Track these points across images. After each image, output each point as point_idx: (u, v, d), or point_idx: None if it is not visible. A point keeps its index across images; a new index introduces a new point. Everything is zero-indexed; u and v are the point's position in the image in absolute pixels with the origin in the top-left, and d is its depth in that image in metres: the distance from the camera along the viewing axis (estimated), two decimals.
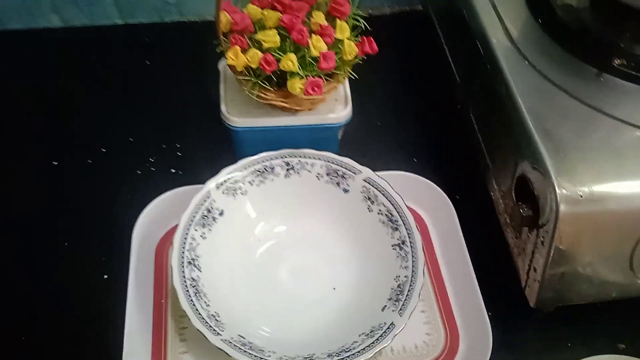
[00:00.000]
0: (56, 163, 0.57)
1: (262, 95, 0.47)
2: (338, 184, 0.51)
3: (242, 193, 0.50)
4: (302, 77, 0.45)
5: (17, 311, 0.48)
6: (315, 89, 0.44)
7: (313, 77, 0.45)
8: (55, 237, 0.52)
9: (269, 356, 0.41)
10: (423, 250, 0.47)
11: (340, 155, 0.51)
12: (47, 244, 0.52)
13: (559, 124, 0.44)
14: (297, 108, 0.50)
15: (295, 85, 0.45)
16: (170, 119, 0.61)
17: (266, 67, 0.44)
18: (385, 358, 0.47)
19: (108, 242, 0.51)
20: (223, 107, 0.51)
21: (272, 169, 0.51)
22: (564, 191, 0.41)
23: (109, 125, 0.60)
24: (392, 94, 0.65)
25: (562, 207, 0.40)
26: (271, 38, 0.45)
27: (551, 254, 0.42)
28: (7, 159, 0.58)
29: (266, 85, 0.46)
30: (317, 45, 0.45)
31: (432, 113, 0.63)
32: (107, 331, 0.45)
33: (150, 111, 0.62)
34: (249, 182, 0.50)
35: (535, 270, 0.44)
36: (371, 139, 0.61)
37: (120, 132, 0.59)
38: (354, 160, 0.51)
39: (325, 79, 0.47)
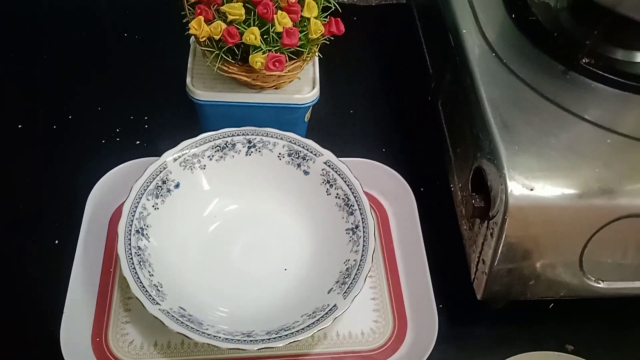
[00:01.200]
0: (21, 126, 0.57)
1: (225, 68, 0.46)
2: (299, 165, 0.51)
3: (200, 167, 0.49)
4: (265, 52, 0.45)
5: None
6: (277, 64, 0.44)
7: (276, 52, 0.45)
8: (11, 198, 0.52)
9: (207, 329, 0.41)
10: (375, 237, 0.46)
11: (307, 138, 0.51)
12: (3, 203, 0.52)
13: (519, 118, 0.44)
14: (262, 84, 0.49)
15: (257, 59, 0.44)
16: (141, 91, 0.60)
17: (229, 39, 0.44)
18: (330, 342, 0.47)
19: (64, 208, 0.51)
20: (188, 80, 0.50)
21: (234, 145, 0.50)
22: (515, 183, 0.40)
23: (78, 93, 0.60)
24: (368, 83, 0.65)
25: (511, 200, 0.40)
26: (236, 10, 0.44)
27: (500, 247, 0.42)
28: None
29: (229, 58, 0.46)
30: (282, 21, 0.44)
31: (405, 104, 0.63)
32: (50, 295, 0.45)
33: (121, 81, 0.61)
34: (209, 157, 0.50)
35: (483, 262, 0.44)
36: (341, 126, 0.61)
37: (88, 100, 0.59)
38: (320, 145, 0.51)
39: (290, 56, 0.46)
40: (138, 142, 0.57)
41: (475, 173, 0.45)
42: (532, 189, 0.40)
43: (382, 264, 0.50)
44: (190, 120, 0.55)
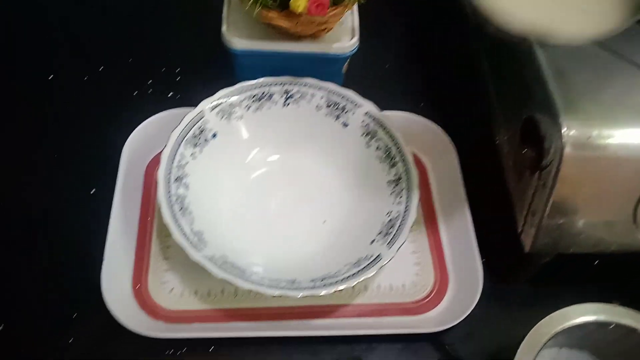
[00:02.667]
0: (52, 77, 0.56)
1: (264, 14, 0.45)
2: (337, 117, 0.49)
3: (237, 117, 0.48)
4: None
5: (3, 217, 0.48)
6: (319, 7, 0.42)
7: None
8: (46, 149, 0.51)
9: (250, 276, 0.40)
10: (419, 188, 0.45)
11: None
12: (38, 155, 0.51)
13: (574, 66, 0.42)
14: (301, 32, 0.47)
15: (299, 3, 0.42)
16: (173, 42, 0.59)
17: None
18: (371, 294, 0.46)
19: (99, 158, 0.50)
20: (224, 28, 0.49)
21: (271, 96, 0.49)
22: (571, 132, 0.38)
23: (110, 44, 0.59)
24: (405, 33, 0.63)
25: (567, 149, 0.38)
26: None
27: (551, 198, 0.40)
28: (3, 70, 0.56)
29: (268, 3, 0.44)
30: None
31: (445, 56, 0.61)
32: (90, 244, 0.45)
33: (153, 32, 0.60)
34: (246, 107, 0.48)
35: (533, 214, 0.42)
36: (379, 79, 0.59)
37: (120, 52, 0.58)
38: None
39: (332, 2, 0.45)
40: (171, 94, 0.55)
41: (526, 123, 0.43)
42: (588, 138, 0.38)
43: (422, 219, 0.49)
44: (223, 71, 0.53)
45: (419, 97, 0.57)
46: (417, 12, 0.64)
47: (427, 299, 0.46)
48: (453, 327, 0.43)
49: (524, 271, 0.47)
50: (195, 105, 0.49)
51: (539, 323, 0.39)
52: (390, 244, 0.42)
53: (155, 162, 0.50)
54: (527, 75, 0.43)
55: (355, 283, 0.40)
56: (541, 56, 0.42)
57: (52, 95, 0.55)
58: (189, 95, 0.55)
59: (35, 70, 0.56)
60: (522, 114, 0.44)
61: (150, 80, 0.56)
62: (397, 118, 0.51)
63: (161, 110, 0.51)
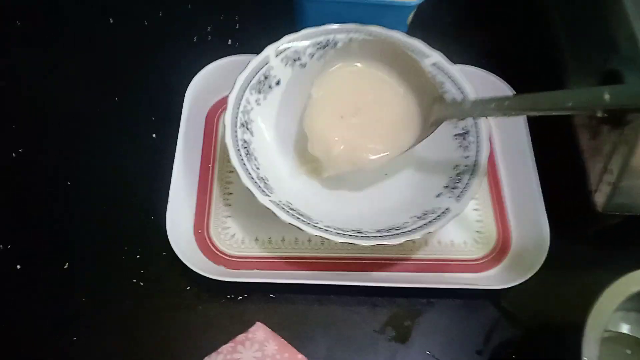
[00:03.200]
0: (112, 20, 0.55)
1: None
2: None
3: (301, 65, 0.47)
4: None
5: (67, 162, 0.48)
6: None
7: None
8: (105, 92, 0.51)
9: (317, 223, 0.40)
10: (489, 141, 0.44)
11: None
12: (97, 99, 0.51)
13: None
14: None
15: None
16: None
17: None
18: (431, 249, 0.45)
19: (159, 103, 0.50)
20: None
21: (336, 43, 0.47)
22: None
23: None
24: None
25: None
26: None
27: (633, 156, 0.39)
28: (63, 12, 0.56)
29: None
30: None
31: (512, 8, 0.58)
32: (153, 188, 0.45)
33: None
34: (309, 55, 0.47)
35: (611, 172, 0.41)
36: (442, 33, 0.56)
37: None
38: None
39: None
40: (230, 42, 0.54)
41: (608, 76, 0.41)
42: None
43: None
44: (281, 18, 0.52)
45: (484, 50, 0.55)
46: None
47: (490, 257, 0.45)
48: (516, 285, 0.42)
49: (594, 231, 0.46)
50: (255, 53, 0.48)
51: (613, 283, 0.38)
52: (459, 197, 0.41)
53: (215, 108, 0.50)
54: (610, 25, 0.41)
55: (424, 234, 0.39)
56: (629, 4, 0.40)
57: (110, 39, 0.55)
58: (249, 43, 0.54)
59: (96, 13, 0.56)
60: (602, 67, 0.42)
61: (209, 27, 0.55)
62: (462, 71, 0.49)
63: (221, 56, 0.50)
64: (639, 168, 0.39)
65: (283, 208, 0.39)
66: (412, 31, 0.52)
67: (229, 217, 0.45)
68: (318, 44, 0.47)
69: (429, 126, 0.42)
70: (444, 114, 0.42)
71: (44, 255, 0.43)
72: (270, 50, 0.46)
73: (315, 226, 0.39)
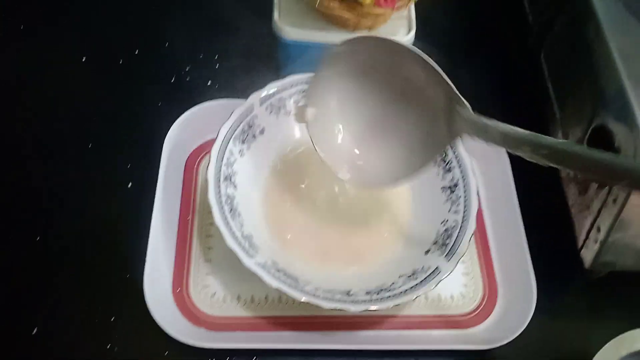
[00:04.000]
0: (84, 59, 0.53)
1: (325, 3, 0.42)
2: None
3: (285, 113, 0.46)
4: None
5: (35, 212, 0.45)
6: (388, 0, 0.39)
7: None
8: (80, 137, 0.49)
9: (304, 286, 0.38)
10: (478, 195, 0.43)
11: None
12: (71, 144, 0.48)
13: None
14: (357, 24, 0.45)
15: None
16: (211, 27, 0.56)
17: None
18: (418, 305, 0.44)
19: (135, 150, 0.48)
20: (276, 15, 0.46)
21: None
22: None
23: (146, 26, 0.55)
24: (460, 30, 0.60)
25: None
26: None
27: (622, 214, 0.39)
28: (36, 51, 0.53)
29: None
30: None
31: (498, 54, 0.58)
32: (129, 242, 0.42)
33: (190, 15, 0.57)
34: (295, 102, 0.46)
35: (598, 229, 0.41)
36: None
37: (156, 35, 0.54)
38: None
39: None
40: (209, 83, 0.53)
41: (595, 132, 0.41)
42: None
43: None
44: (263, 60, 0.51)
45: (470, 96, 0.54)
46: (472, 7, 0.61)
47: (477, 312, 0.44)
48: (503, 344, 0.42)
49: (581, 287, 0.45)
50: (234, 96, 0.47)
51: (604, 347, 0.37)
52: (448, 255, 0.40)
53: (194, 155, 0.48)
54: (601, 81, 0.41)
55: (415, 297, 0.38)
56: (619, 61, 0.40)
57: (84, 78, 0.52)
58: (228, 85, 0.52)
59: (69, 51, 0.53)
60: (590, 123, 0.42)
61: (188, 67, 0.53)
62: None
63: (199, 99, 0.48)
64: (628, 227, 0.39)
65: (269, 271, 0.38)
66: None
67: (210, 274, 0.43)
68: (304, 91, 0.46)
69: (447, 137, 0.37)
70: (466, 128, 0.36)
71: (10, 319, 0.40)
72: (254, 98, 0.44)
73: (302, 290, 0.37)
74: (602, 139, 0.40)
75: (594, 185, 0.41)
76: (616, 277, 0.44)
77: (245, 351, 0.40)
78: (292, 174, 0.45)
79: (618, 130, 0.39)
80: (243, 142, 0.43)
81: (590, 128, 0.42)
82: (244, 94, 0.45)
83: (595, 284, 0.45)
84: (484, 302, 0.45)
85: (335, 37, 0.46)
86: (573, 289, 0.46)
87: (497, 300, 0.45)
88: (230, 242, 0.38)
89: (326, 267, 0.42)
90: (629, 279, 0.44)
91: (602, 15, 0.42)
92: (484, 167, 0.50)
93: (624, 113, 0.38)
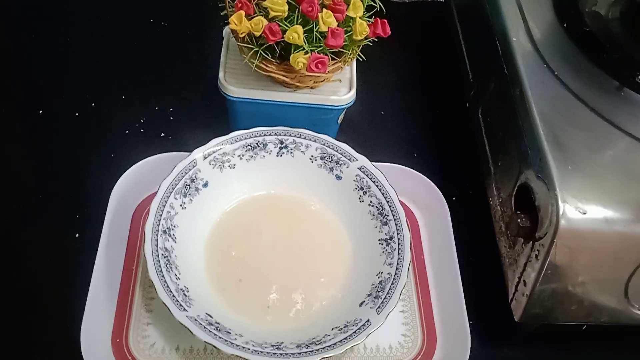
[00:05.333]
0: (41, 112, 0.54)
1: (263, 66, 0.44)
2: (332, 169, 0.48)
3: (229, 167, 0.47)
4: (307, 52, 0.42)
5: None
6: (319, 65, 0.42)
7: (318, 53, 0.43)
8: (29, 187, 0.50)
9: (235, 339, 0.39)
10: (411, 249, 0.44)
11: (337, 140, 0.49)
12: (20, 192, 0.50)
13: (571, 135, 0.42)
14: (298, 84, 0.47)
15: (299, 60, 0.42)
16: (168, 82, 0.58)
17: (270, 36, 0.42)
18: (357, 355, 0.45)
19: (84, 201, 0.49)
20: (221, 74, 0.48)
21: (265, 145, 0.48)
22: (567, 205, 0.38)
23: (103, 79, 0.58)
24: (401, 85, 0.63)
25: (562, 222, 0.38)
26: (279, 7, 0.42)
27: (544, 269, 0.40)
28: None
29: (268, 56, 0.44)
30: (327, 21, 0.42)
31: (440, 109, 0.61)
32: (70, 293, 0.43)
33: (147, 70, 0.59)
34: (239, 157, 0.48)
35: (525, 284, 0.42)
36: (372, 129, 0.58)
37: (113, 88, 0.57)
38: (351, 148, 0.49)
39: (332, 57, 0.44)
40: (163, 135, 0.54)
41: (520, 190, 0.43)
42: (584, 213, 0.38)
43: (413, 276, 0.49)
44: (218, 114, 0.53)
45: (413, 149, 0.57)
46: (413, 66, 0.64)
47: None
48: None
49: (514, 337, 0.46)
50: (187, 148, 0.48)
51: None
52: (379, 309, 0.41)
53: (142, 207, 0.49)
54: (525, 141, 0.43)
55: (344, 350, 0.39)
56: (540, 123, 0.42)
57: (39, 129, 0.54)
58: (181, 136, 0.54)
59: (24, 103, 0.55)
60: (516, 180, 0.44)
61: (143, 119, 0.55)
62: (387, 169, 0.50)
63: (152, 151, 0.50)
64: (551, 282, 0.41)
65: (201, 324, 0.39)
66: (342, 128, 0.53)
67: (150, 324, 0.44)
68: (247, 145, 0.48)
69: None
70: None
71: None
72: (197, 154, 0.46)
73: (232, 344, 0.38)
74: (526, 196, 0.42)
75: (520, 241, 0.43)
76: (549, 328, 0.45)
77: None
78: (234, 226, 0.47)
79: (538, 189, 0.41)
80: (185, 195, 0.45)
81: (516, 185, 0.44)
82: (194, 147, 0.47)
83: (529, 335, 0.46)
84: (422, 352, 0.46)
85: (277, 95, 0.48)
86: (507, 341, 0.47)
87: (435, 351, 0.46)
88: (163, 295, 0.39)
89: (262, 318, 0.43)
90: (562, 331, 0.46)
91: (527, 78, 0.45)
92: (427, 218, 0.52)
93: (543, 174, 0.40)
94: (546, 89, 0.44)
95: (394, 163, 0.52)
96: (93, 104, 0.56)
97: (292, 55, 0.42)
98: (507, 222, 0.44)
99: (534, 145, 0.42)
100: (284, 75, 0.45)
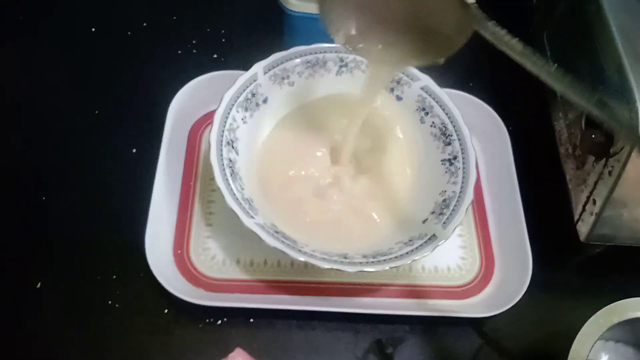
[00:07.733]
0: (94, 29, 0.54)
1: None
2: (392, 89, 0.47)
3: (289, 83, 0.46)
4: None
5: (40, 175, 0.46)
6: None
7: None
8: (85, 104, 0.50)
9: (302, 247, 0.39)
10: (476, 168, 0.43)
11: None
12: (76, 111, 0.49)
13: None
14: None
15: None
16: (219, 2, 0.57)
17: None
18: (414, 274, 0.45)
19: (141, 117, 0.48)
20: None
21: (325, 63, 0.47)
22: None
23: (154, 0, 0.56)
24: None
25: None
26: None
27: (617, 187, 0.39)
28: (47, 21, 0.54)
29: None
30: None
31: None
32: (132, 205, 0.43)
33: None
34: (298, 73, 0.46)
35: (594, 202, 0.41)
36: None
37: (164, 9, 0.55)
38: None
39: None
40: (215, 56, 0.53)
41: (595, 106, 0.42)
42: None
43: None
44: (268, 34, 0.51)
45: (471, 75, 0.55)
46: None
47: (472, 284, 0.45)
48: (499, 313, 0.42)
49: (577, 260, 0.46)
50: (239, 69, 0.47)
51: (596, 314, 0.38)
52: (445, 223, 0.41)
53: (198, 124, 0.49)
54: (601, 58, 0.41)
55: (410, 261, 0.39)
56: (618, 37, 0.40)
57: (93, 48, 0.53)
58: (235, 58, 0.53)
59: (78, 21, 0.54)
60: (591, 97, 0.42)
61: (195, 40, 0.54)
62: (447, 96, 0.49)
63: (205, 72, 0.49)
64: (623, 200, 0.40)
65: (268, 231, 0.38)
66: None
67: (210, 237, 0.44)
68: (307, 62, 0.46)
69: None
70: (477, 25, 0.38)
71: (16, 273, 0.41)
72: (258, 67, 0.45)
73: (300, 251, 0.38)
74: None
75: (591, 159, 0.42)
76: (612, 251, 0.44)
77: (242, 311, 0.41)
78: (290, 143, 0.46)
79: (616, 104, 0.39)
80: (246, 109, 0.44)
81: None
82: (248, 67, 0.46)
83: (592, 257, 0.45)
84: (480, 274, 0.45)
85: None
86: (569, 261, 0.46)
87: (494, 274, 0.46)
88: (231, 202, 0.38)
89: (324, 234, 0.43)
90: (625, 253, 0.45)
91: None
92: (484, 144, 0.51)
93: (622, 88, 0.39)
94: (623, 4, 0.43)
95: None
96: (145, 24, 0.54)
97: None
98: (580, 140, 0.43)
99: (612, 59, 0.40)
100: None
